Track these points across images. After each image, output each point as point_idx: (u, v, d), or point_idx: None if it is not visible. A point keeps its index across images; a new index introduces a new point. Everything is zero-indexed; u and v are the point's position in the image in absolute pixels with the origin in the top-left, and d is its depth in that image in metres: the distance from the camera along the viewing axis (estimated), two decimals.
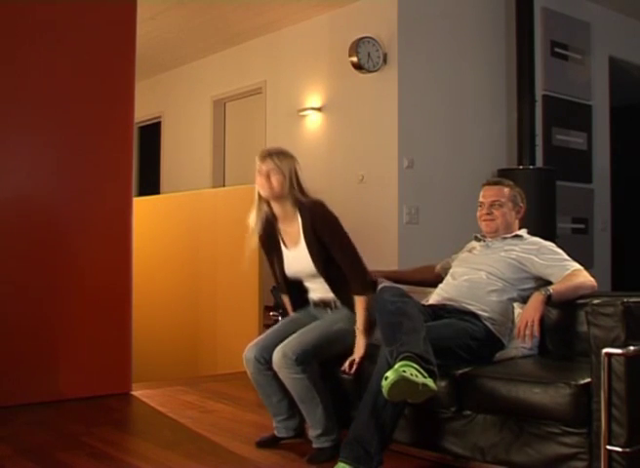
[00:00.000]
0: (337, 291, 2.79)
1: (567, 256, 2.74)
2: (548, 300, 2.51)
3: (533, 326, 2.44)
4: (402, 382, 2.09)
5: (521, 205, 2.93)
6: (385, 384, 2.11)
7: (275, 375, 2.69)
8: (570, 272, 2.65)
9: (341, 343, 2.73)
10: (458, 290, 2.78)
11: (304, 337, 2.65)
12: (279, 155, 2.77)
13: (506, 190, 2.90)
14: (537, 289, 2.62)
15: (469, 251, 2.98)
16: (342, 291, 2.78)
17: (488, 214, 2.88)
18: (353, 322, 2.71)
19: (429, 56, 5.30)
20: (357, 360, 2.66)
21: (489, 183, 2.97)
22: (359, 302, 2.70)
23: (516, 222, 2.93)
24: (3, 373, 3.44)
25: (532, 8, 5.48)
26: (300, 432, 2.85)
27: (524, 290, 2.72)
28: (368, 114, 5.32)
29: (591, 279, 2.64)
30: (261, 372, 2.75)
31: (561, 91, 5.98)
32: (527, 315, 2.47)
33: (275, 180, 2.72)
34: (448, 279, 2.88)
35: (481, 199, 2.93)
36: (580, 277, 2.63)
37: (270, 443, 2.83)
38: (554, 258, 2.71)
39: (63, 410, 3.42)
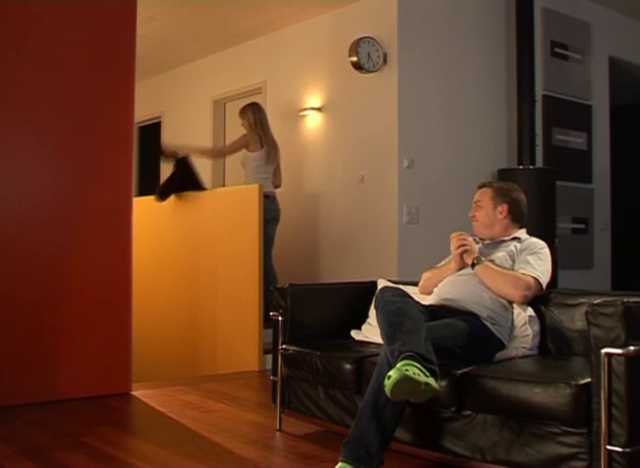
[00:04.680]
0: None
1: (544, 267, 2.75)
2: (474, 265, 2.76)
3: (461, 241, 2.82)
4: (405, 381, 2.09)
5: (504, 203, 2.92)
6: (388, 383, 2.10)
7: None
8: (522, 271, 2.71)
9: None
10: (457, 290, 2.79)
11: None
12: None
13: (488, 191, 2.98)
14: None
15: None
16: None
17: (472, 216, 2.99)
18: None
19: (429, 56, 5.30)
20: None
21: (478, 187, 3.06)
22: None
23: (504, 221, 2.92)
24: (3, 373, 3.44)
25: (532, 8, 5.48)
26: None
27: None
28: (368, 114, 5.32)
29: (525, 292, 2.67)
30: None
31: (561, 91, 5.98)
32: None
33: None
34: (447, 279, 2.89)
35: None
36: (519, 279, 2.68)
37: None
38: (531, 257, 2.76)
39: (63, 410, 3.42)
